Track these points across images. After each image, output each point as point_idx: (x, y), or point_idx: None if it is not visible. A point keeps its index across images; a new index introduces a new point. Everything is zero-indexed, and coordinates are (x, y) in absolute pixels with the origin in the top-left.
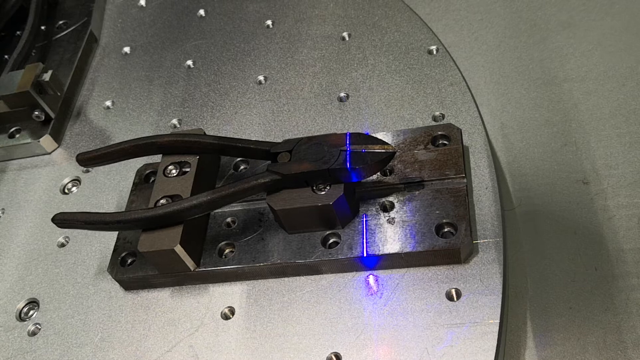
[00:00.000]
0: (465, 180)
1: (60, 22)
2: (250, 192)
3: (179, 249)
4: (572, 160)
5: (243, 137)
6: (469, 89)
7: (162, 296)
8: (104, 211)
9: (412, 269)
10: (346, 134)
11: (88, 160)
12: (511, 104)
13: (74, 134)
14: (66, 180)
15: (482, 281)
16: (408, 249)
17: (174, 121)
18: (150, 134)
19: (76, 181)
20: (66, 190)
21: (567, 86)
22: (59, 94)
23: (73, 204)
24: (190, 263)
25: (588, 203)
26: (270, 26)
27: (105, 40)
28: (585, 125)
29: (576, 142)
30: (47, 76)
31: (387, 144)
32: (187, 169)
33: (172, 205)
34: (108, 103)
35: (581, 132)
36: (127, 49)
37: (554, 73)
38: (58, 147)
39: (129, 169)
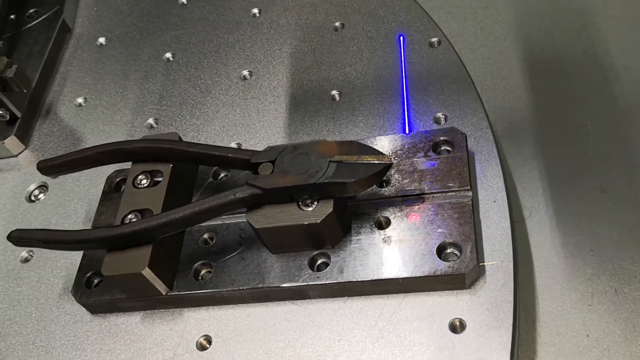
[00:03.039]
0: (470, 194)
1: (31, 11)
2: (227, 209)
3: (147, 272)
4: (588, 165)
5: (223, 141)
6: (474, 85)
7: (131, 321)
8: (72, 221)
9: (410, 295)
10: (336, 142)
11: (50, 168)
12: (520, 102)
13: (43, 134)
14: (32, 187)
15: (489, 311)
16: (406, 274)
17: (150, 120)
18: (124, 135)
19: (43, 187)
20: (32, 198)
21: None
22: (25, 91)
23: (38, 214)
24: (161, 287)
25: (606, 214)
26: (257, 15)
27: (79, 30)
28: (603, 127)
29: (593, 145)
30: (11, 72)
31: (382, 154)
32: (160, 179)
33: (139, 223)
34: (80, 100)
35: (599, 134)
36: (102, 40)
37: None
38: (25, 149)
39: (100, 174)
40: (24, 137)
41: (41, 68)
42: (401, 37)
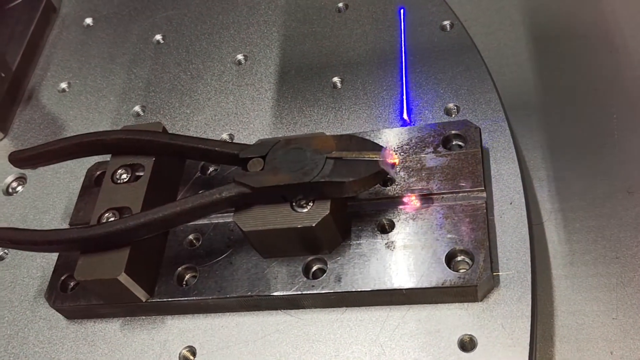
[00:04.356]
0: (484, 195)
1: None
2: (211, 210)
3: (124, 278)
4: (613, 163)
5: (215, 132)
6: (490, 74)
7: (110, 329)
8: (50, 216)
9: (415, 307)
10: (334, 136)
11: (22, 160)
12: (539, 92)
13: (23, 122)
14: (10, 179)
15: (504, 327)
16: (410, 285)
17: (137, 108)
18: (109, 123)
19: (22, 179)
20: (10, 190)
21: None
22: (3, 75)
23: (16, 208)
24: (140, 293)
25: (634, 218)
26: None
27: (66, 9)
28: (629, 120)
29: (618, 141)
30: None
31: (386, 150)
32: (141, 173)
33: (115, 223)
34: (64, 85)
35: (624, 128)
36: (89, 21)
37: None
38: (4, 137)
39: (82, 166)
40: (3, 125)
41: (23, 50)
42: (401, 10)
